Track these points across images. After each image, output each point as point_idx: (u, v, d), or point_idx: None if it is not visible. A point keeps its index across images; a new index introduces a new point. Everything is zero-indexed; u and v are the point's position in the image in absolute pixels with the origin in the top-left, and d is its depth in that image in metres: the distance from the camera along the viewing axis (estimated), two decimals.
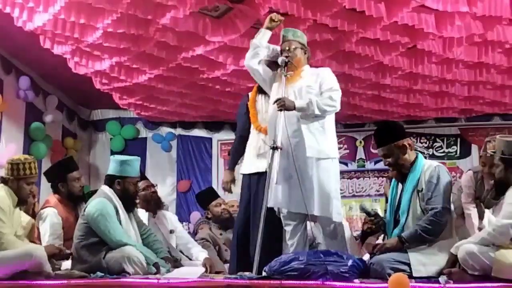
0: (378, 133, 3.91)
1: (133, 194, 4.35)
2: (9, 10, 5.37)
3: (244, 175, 4.49)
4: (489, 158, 4.28)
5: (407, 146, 3.71)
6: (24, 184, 3.96)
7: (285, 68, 4.02)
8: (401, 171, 3.75)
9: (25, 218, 4.25)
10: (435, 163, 3.74)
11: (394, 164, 3.74)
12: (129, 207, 4.32)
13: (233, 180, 4.65)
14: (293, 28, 4.33)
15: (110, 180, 4.29)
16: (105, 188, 4.27)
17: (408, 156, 3.71)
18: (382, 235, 5.33)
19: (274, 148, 3.75)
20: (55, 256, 4.01)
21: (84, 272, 3.83)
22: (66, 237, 4.62)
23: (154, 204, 5.19)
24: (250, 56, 4.28)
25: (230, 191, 4.72)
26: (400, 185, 3.79)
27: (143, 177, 5.20)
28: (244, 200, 4.46)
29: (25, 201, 4.07)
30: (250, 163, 4.43)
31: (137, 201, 4.97)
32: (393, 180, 3.91)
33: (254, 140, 4.46)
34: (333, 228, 4.02)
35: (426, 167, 3.65)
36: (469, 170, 4.89)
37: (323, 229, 4.08)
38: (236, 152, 4.68)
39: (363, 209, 4.10)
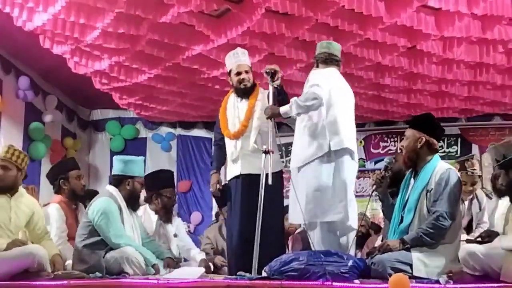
0: (417, 116, 4.05)
1: (139, 193, 4.35)
2: (8, 9, 5.37)
3: (229, 181, 4.61)
4: (469, 177, 4.59)
5: (427, 143, 3.72)
6: None
7: (272, 78, 4.12)
8: (410, 161, 3.77)
9: None
10: (447, 165, 3.73)
11: (406, 148, 3.76)
12: (134, 207, 4.31)
13: (218, 182, 4.65)
14: None
15: (118, 180, 4.26)
16: (110, 188, 4.25)
17: (422, 151, 3.72)
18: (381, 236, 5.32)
19: (266, 152, 3.81)
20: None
21: (83, 273, 3.81)
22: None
23: (168, 213, 5.07)
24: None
25: (217, 192, 4.69)
26: (411, 182, 3.78)
27: (172, 184, 5.17)
28: (232, 204, 4.52)
29: None
30: (229, 170, 4.59)
31: (152, 206, 4.93)
32: (407, 174, 3.89)
33: (228, 147, 4.56)
34: (318, 229, 4.05)
35: (438, 168, 3.65)
36: None
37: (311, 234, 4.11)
38: (216, 157, 4.77)
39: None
